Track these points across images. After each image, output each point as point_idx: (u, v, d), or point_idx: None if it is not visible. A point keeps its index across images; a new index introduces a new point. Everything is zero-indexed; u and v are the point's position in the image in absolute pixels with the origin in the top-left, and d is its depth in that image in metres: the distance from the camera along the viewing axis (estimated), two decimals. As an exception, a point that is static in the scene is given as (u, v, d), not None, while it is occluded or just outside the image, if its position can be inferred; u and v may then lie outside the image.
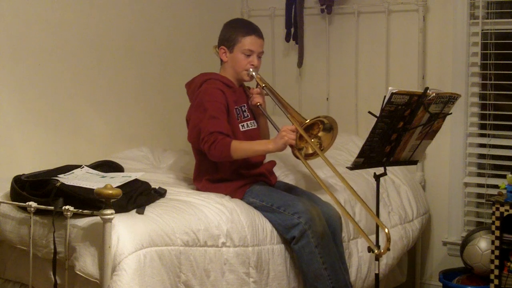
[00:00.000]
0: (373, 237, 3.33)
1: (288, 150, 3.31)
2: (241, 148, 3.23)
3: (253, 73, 3.43)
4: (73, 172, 3.10)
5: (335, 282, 3.21)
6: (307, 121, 3.28)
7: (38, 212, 2.88)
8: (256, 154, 3.35)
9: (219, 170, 3.38)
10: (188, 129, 3.44)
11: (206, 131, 3.25)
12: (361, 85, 4.48)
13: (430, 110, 3.05)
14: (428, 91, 2.99)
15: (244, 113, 3.46)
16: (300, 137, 3.34)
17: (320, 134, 3.38)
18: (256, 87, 3.48)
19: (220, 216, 3.08)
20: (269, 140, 3.36)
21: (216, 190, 3.33)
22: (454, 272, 4.02)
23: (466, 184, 4.19)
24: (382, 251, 2.99)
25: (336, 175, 3.15)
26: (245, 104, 3.49)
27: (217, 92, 3.36)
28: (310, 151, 3.39)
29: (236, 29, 3.45)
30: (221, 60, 3.50)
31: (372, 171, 3.20)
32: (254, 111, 3.51)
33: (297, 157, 3.29)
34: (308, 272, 3.20)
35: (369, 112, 2.98)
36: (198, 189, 3.43)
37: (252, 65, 3.43)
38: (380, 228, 3.24)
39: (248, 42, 3.42)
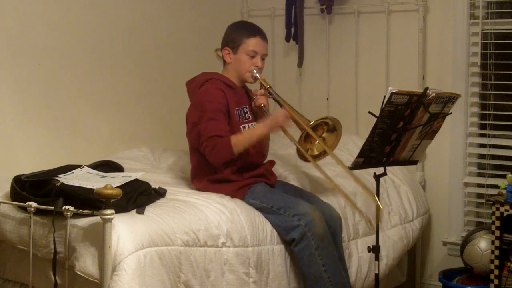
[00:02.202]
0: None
1: (289, 150, 3.31)
2: (240, 141, 3.27)
3: (257, 75, 3.43)
4: (73, 172, 3.10)
5: (335, 284, 3.20)
6: (311, 123, 3.28)
7: (38, 212, 2.88)
8: (256, 140, 3.36)
9: (219, 170, 3.37)
10: (187, 127, 3.44)
11: (206, 135, 3.26)
12: (361, 85, 4.47)
13: (430, 110, 3.05)
14: (428, 91, 2.99)
15: (246, 115, 3.46)
16: (305, 139, 3.34)
17: (324, 135, 3.38)
18: (260, 89, 3.48)
19: (220, 216, 3.08)
20: (262, 123, 3.36)
21: (216, 191, 3.32)
22: (454, 272, 4.02)
23: (466, 184, 4.19)
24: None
25: (346, 173, 3.14)
26: (247, 106, 3.48)
27: (217, 92, 3.36)
28: (316, 153, 3.40)
29: (241, 31, 3.45)
30: (224, 62, 3.50)
31: (372, 171, 3.20)
32: (257, 113, 3.50)
33: (305, 160, 3.29)
34: (308, 274, 3.20)
35: (369, 112, 2.98)
36: (198, 189, 3.43)
37: (256, 66, 3.43)
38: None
39: (252, 43, 3.42)
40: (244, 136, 3.31)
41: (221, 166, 3.34)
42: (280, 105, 3.44)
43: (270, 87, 3.46)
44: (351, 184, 3.66)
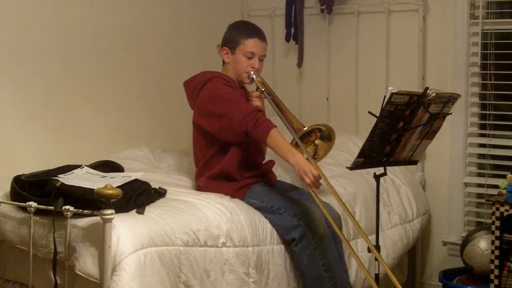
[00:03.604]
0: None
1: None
2: (276, 139, 3.13)
3: (254, 76, 3.42)
4: (73, 172, 3.10)
5: (335, 284, 3.20)
6: (305, 128, 3.27)
7: (38, 212, 2.88)
8: (280, 154, 3.18)
9: (222, 167, 3.35)
10: (208, 120, 3.34)
11: (244, 113, 3.18)
12: (361, 85, 4.48)
13: (430, 110, 3.05)
14: (428, 91, 2.99)
15: None
16: (296, 143, 3.33)
17: (317, 141, 3.36)
18: (256, 91, 3.47)
19: (220, 216, 3.08)
20: (298, 155, 3.12)
21: (216, 190, 3.32)
22: (454, 272, 4.02)
23: (466, 184, 4.19)
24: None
25: (326, 185, 3.10)
26: (246, 106, 3.48)
27: (225, 84, 3.36)
28: (305, 157, 3.39)
29: (239, 31, 3.45)
30: (223, 61, 3.50)
31: (372, 171, 3.19)
32: None
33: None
34: (308, 274, 3.20)
35: (369, 112, 2.98)
36: (198, 186, 3.43)
37: (253, 67, 3.42)
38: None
39: (250, 44, 3.41)
40: (281, 141, 3.14)
41: (262, 142, 3.22)
42: (275, 108, 3.41)
43: (265, 90, 3.44)
44: (351, 185, 3.66)
